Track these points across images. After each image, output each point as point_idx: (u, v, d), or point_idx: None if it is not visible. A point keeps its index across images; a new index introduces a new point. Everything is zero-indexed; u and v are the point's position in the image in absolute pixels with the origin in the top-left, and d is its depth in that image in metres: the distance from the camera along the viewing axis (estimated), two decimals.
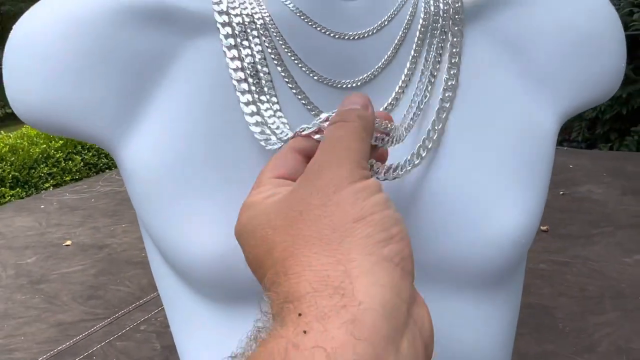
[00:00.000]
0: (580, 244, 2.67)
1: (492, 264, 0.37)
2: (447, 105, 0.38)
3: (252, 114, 0.35)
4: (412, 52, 0.39)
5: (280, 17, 0.37)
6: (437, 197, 0.37)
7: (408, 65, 0.39)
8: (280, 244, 0.23)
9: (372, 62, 0.38)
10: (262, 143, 0.34)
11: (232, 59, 0.36)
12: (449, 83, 0.38)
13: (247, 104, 0.36)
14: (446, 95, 0.38)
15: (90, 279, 2.65)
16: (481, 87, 0.39)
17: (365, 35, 0.37)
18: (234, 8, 0.37)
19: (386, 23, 0.38)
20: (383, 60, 0.38)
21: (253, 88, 0.36)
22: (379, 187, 0.25)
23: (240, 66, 0.36)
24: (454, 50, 0.39)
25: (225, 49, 0.36)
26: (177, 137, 0.36)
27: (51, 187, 4.35)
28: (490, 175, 0.38)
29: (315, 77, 0.37)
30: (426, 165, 0.37)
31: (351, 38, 0.37)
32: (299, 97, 0.37)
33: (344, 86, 0.38)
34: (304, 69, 0.37)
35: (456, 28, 0.39)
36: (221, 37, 0.36)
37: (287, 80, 0.37)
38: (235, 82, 0.36)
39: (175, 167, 0.36)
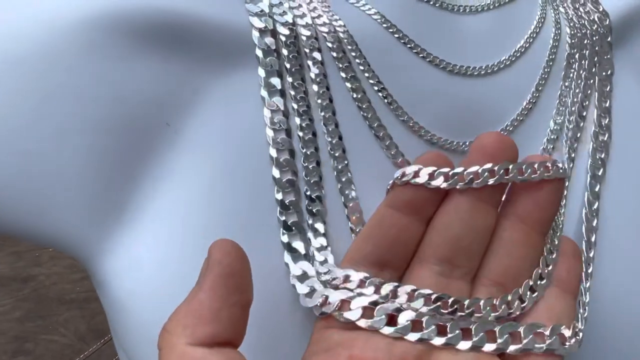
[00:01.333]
0: None
1: None
2: (600, 172, 0.28)
3: (291, 230, 0.23)
4: (559, 95, 0.28)
5: (367, 38, 0.26)
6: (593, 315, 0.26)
7: (554, 115, 0.28)
8: None
9: (505, 110, 0.27)
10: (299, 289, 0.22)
11: (275, 111, 0.24)
12: (600, 139, 0.28)
13: (286, 191, 0.23)
14: (597, 158, 0.28)
15: (16, 325, 2.32)
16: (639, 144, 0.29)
17: (496, 70, 0.27)
18: (284, 19, 0.24)
19: (523, 50, 0.28)
20: (522, 107, 0.27)
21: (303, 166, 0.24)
22: None
23: (284, 125, 0.24)
24: (605, 89, 0.29)
25: (264, 94, 0.24)
26: (191, 243, 0.23)
27: None
28: None
29: (422, 134, 0.26)
30: None
31: (475, 73, 0.27)
32: (397, 161, 0.25)
33: (465, 149, 0.26)
34: (403, 119, 0.26)
35: (606, 57, 0.30)
36: (260, 73, 0.24)
37: (379, 136, 0.25)
38: (272, 153, 0.23)
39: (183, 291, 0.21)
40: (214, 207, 0.23)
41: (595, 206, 0.27)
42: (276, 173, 0.23)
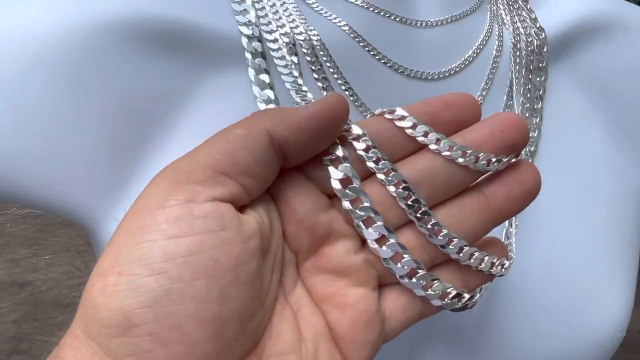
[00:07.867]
0: None
1: None
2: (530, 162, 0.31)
3: None
4: (505, 98, 0.32)
5: (337, 46, 0.29)
6: (522, 284, 0.30)
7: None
8: None
9: None
10: None
11: (267, 102, 0.27)
12: (530, 135, 0.31)
13: None
14: (527, 150, 0.32)
15: (12, 327, 2.32)
16: (567, 141, 0.33)
17: (447, 75, 0.31)
18: (269, 28, 0.28)
19: (471, 60, 0.32)
20: None
21: None
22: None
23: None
24: (537, 93, 0.33)
25: (256, 90, 0.27)
26: None
27: None
28: (586, 256, 0.31)
29: None
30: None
31: (429, 78, 0.30)
32: None
33: None
34: (366, 114, 0.29)
35: (540, 65, 0.33)
36: (250, 72, 0.27)
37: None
38: None
39: None
40: None
41: None
42: None
